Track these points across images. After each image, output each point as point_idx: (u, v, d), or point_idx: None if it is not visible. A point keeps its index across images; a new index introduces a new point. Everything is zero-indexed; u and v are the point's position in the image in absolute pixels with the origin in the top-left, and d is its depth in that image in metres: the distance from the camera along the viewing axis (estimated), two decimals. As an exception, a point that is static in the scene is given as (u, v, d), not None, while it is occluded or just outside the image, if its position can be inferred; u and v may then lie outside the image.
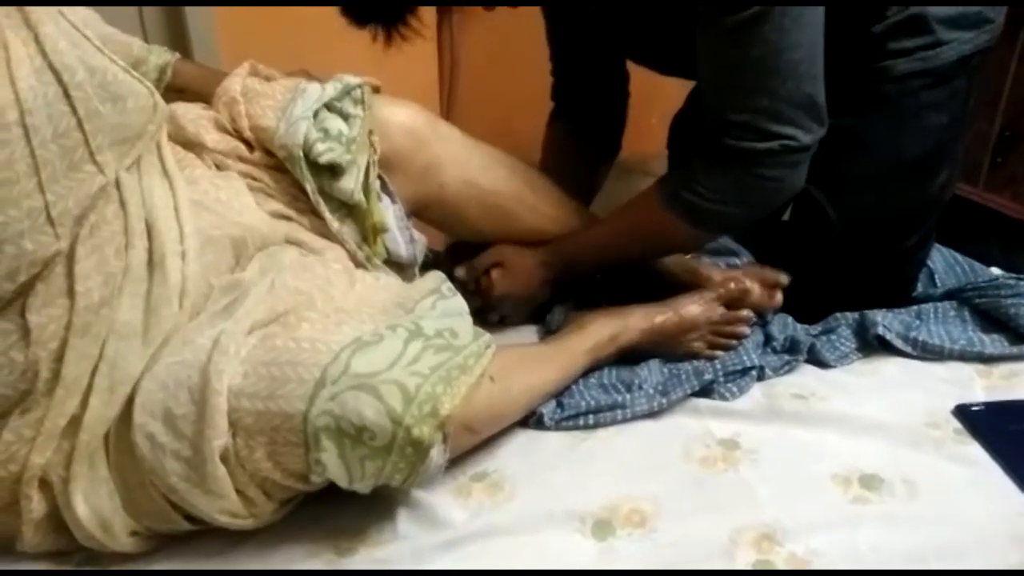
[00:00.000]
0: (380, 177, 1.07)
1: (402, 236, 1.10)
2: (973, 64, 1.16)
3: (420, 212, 1.15)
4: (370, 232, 1.06)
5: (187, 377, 0.82)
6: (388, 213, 1.08)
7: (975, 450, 1.00)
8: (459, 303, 0.97)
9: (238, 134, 1.04)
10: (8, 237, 0.76)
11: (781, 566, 0.86)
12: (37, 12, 0.79)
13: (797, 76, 0.99)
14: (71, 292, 0.81)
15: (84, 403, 0.82)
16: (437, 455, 0.84)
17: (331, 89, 1.05)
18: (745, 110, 1.01)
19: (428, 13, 2.01)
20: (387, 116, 1.08)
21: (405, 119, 1.10)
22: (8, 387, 0.82)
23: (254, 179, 1.03)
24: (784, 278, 1.21)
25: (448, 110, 2.07)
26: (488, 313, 1.24)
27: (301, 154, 1.00)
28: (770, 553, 0.87)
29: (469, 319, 0.95)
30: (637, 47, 1.27)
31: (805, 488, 0.95)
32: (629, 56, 1.33)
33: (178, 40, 1.76)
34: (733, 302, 1.18)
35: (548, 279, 1.23)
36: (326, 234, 1.04)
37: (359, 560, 0.88)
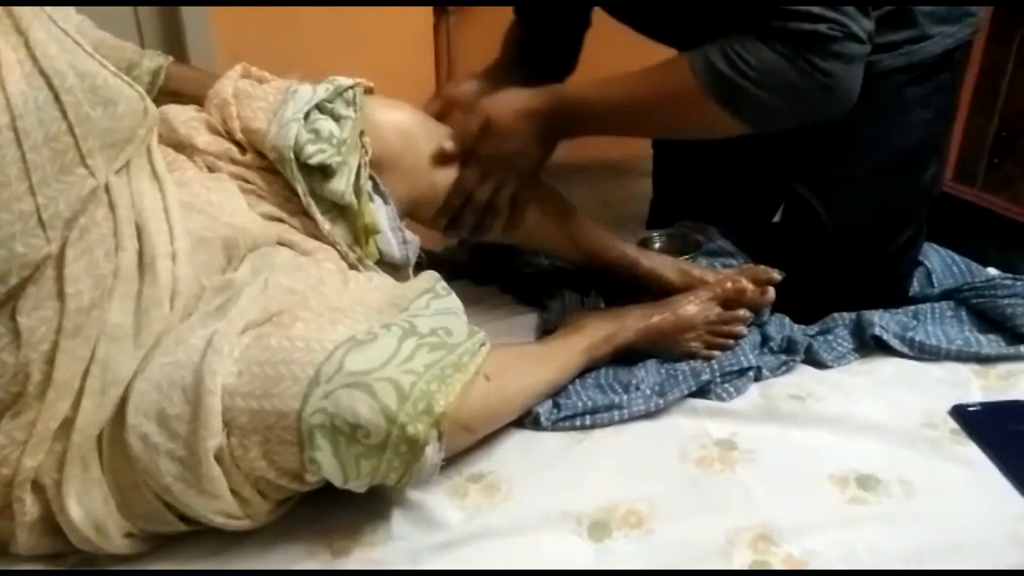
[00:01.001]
0: (372, 178, 1.07)
1: (395, 237, 1.09)
2: (957, 58, 1.16)
3: (413, 212, 1.15)
4: (362, 233, 1.06)
5: (181, 377, 0.82)
6: (380, 214, 1.08)
7: (972, 451, 1.00)
8: (454, 302, 0.96)
9: (230, 136, 1.04)
10: (0, 240, 0.77)
11: (778, 567, 0.86)
12: (27, 17, 0.79)
13: None
14: (61, 295, 0.81)
15: (76, 405, 0.81)
16: (432, 453, 0.84)
17: (322, 91, 1.05)
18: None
19: (425, 13, 2.03)
20: (379, 117, 1.08)
21: (397, 119, 1.10)
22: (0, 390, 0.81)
23: (246, 181, 1.02)
24: (776, 275, 1.21)
25: (445, 109, 2.07)
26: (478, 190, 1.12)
27: (292, 156, 1.00)
28: (767, 554, 0.87)
29: (464, 318, 0.95)
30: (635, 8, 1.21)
31: (802, 489, 0.95)
32: (610, 9, 1.25)
33: (174, 41, 1.76)
34: (729, 302, 1.18)
35: (539, 132, 1.11)
36: (318, 236, 1.04)
37: (354, 561, 0.88)
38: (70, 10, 0.92)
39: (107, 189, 0.84)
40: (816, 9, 0.94)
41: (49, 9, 0.82)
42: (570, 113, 1.10)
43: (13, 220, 0.77)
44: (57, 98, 0.79)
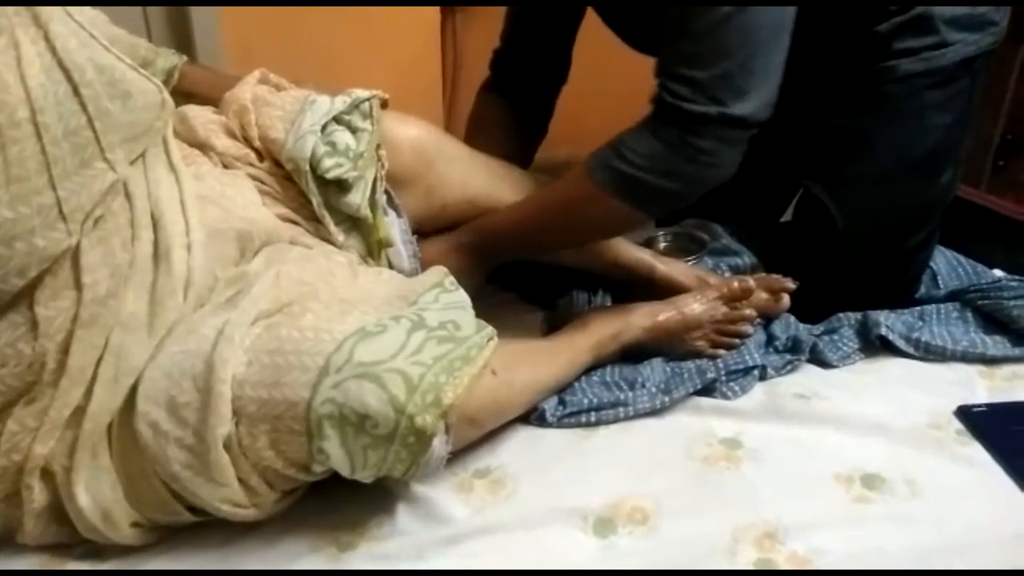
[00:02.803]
0: (387, 191, 1.07)
1: (406, 250, 1.10)
2: (976, 66, 1.16)
3: (421, 228, 1.15)
4: (375, 247, 1.07)
5: (191, 366, 0.82)
6: (393, 227, 1.08)
7: (977, 451, 1.00)
8: (462, 296, 0.97)
9: (248, 142, 1.05)
10: (19, 233, 0.77)
11: (783, 565, 0.86)
12: (46, 11, 0.79)
13: (758, 44, 0.96)
14: (78, 284, 0.81)
15: (88, 393, 0.82)
16: (439, 446, 0.84)
17: (340, 103, 1.05)
18: (696, 66, 0.97)
19: (432, 11, 2.03)
20: (396, 133, 1.08)
21: (413, 136, 1.10)
22: (15, 378, 0.82)
23: (262, 183, 1.03)
24: (790, 284, 1.21)
25: (451, 108, 2.07)
26: None
27: (308, 168, 1.00)
28: (772, 552, 0.87)
29: (472, 312, 0.95)
30: (620, 14, 1.23)
31: (807, 487, 0.95)
32: (610, 23, 1.27)
33: (182, 40, 1.76)
34: (736, 301, 1.18)
35: (467, 266, 1.14)
36: (331, 242, 1.04)
37: (360, 555, 0.88)
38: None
39: (124, 180, 0.84)
40: (717, 91, 0.96)
41: None
42: (489, 240, 1.14)
43: (33, 214, 0.77)
44: (77, 91, 0.79)
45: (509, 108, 1.38)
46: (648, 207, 1.07)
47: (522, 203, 1.14)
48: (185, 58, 1.18)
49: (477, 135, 1.37)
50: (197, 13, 1.75)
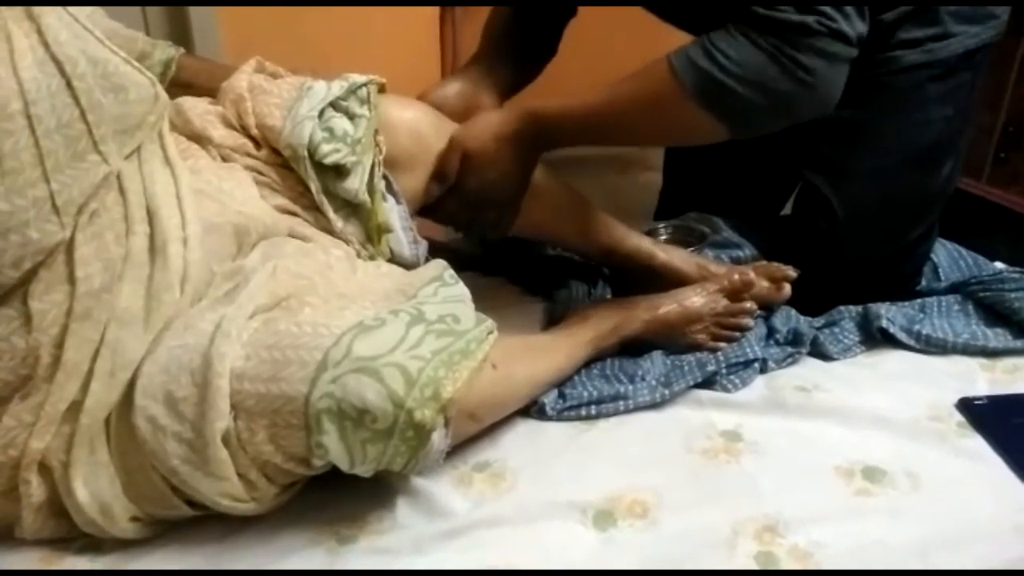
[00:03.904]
0: (385, 177, 1.07)
1: (406, 236, 1.09)
2: (978, 59, 1.16)
3: (423, 212, 1.15)
4: (374, 232, 1.06)
5: (189, 360, 0.82)
6: (392, 213, 1.08)
7: (978, 443, 1.00)
8: (461, 290, 0.96)
9: (245, 131, 1.04)
10: (14, 226, 0.77)
11: (783, 558, 0.86)
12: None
13: None
14: (72, 278, 0.81)
15: (85, 388, 0.82)
16: (438, 440, 0.84)
17: (337, 88, 1.05)
18: None
19: (431, 9, 2.02)
20: (394, 116, 1.08)
21: (410, 118, 1.10)
22: (9, 372, 0.82)
23: (260, 174, 1.03)
24: (791, 272, 1.21)
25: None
26: (472, 226, 1.13)
27: (306, 154, 1.00)
28: (772, 545, 0.87)
29: (471, 305, 0.95)
30: None
31: (807, 480, 0.95)
32: None
33: (181, 34, 1.76)
34: (736, 294, 1.18)
35: (522, 156, 1.09)
36: (330, 231, 1.04)
37: (360, 548, 0.87)
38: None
39: (118, 174, 0.84)
40: (801, 7, 0.91)
41: None
42: (546, 128, 1.08)
43: (27, 206, 0.77)
44: (69, 84, 0.79)
45: (519, 20, 1.32)
46: (732, 120, 0.98)
47: (590, 93, 1.05)
48: (182, 50, 1.18)
49: (487, 38, 1.32)
50: (196, 11, 1.75)
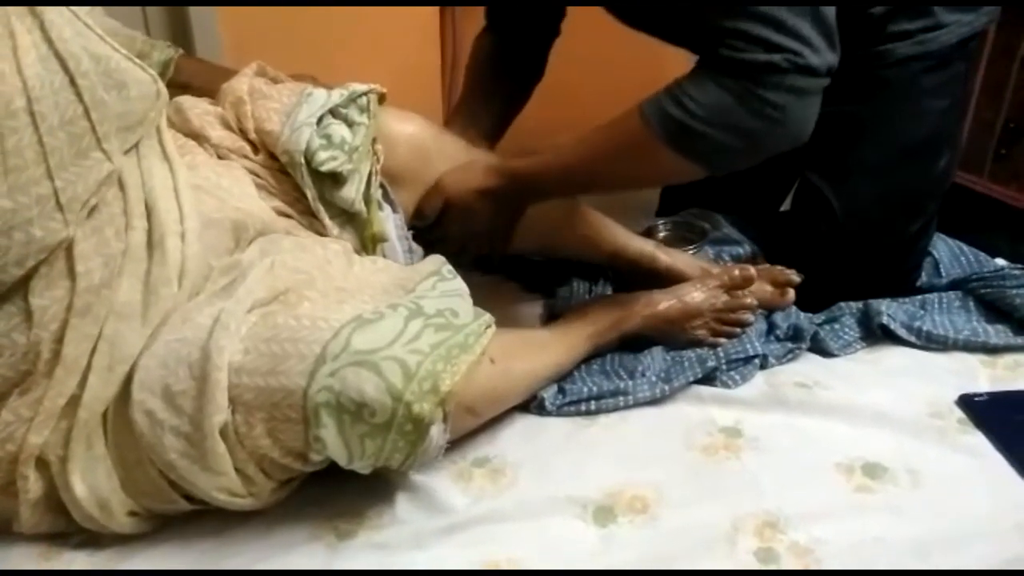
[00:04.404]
0: (382, 186, 1.07)
1: (401, 246, 1.09)
2: (971, 47, 1.15)
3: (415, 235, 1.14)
4: (369, 241, 1.06)
5: (187, 354, 0.82)
6: (388, 223, 1.08)
7: (979, 440, 1.00)
8: (459, 284, 0.96)
9: (243, 134, 1.04)
10: (17, 223, 0.77)
11: (783, 554, 0.85)
12: None
13: None
14: (72, 274, 0.81)
15: (83, 382, 0.82)
16: (437, 434, 0.84)
17: (336, 96, 1.04)
18: (742, 15, 0.90)
19: (430, 9, 2.01)
20: (394, 130, 1.07)
21: (410, 132, 1.09)
22: (10, 368, 0.82)
23: (257, 177, 1.03)
24: (795, 277, 1.20)
25: (450, 101, 2.06)
26: (459, 256, 1.10)
27: (303, 161, 1.00)
28: (772, 541, 0.87)
29: (469, 300, 0.95)
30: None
31: (808, 476, 0.95)
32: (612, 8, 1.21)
33: (181, 34, 1.75)
34: (737, 289, 1.18)
35: (503, 210, 1.10)
36: (325, 236, 1.04)
37: (359, 543, 0.87)
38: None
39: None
40: (775, 37, 0.90)
41: None
42: (526, 185, 1.08)
43: (31, 204, 0.77)
44: (73, 81, 0.78)
45: (503, 48, 1.34)
46: (707, 162, 0.98)
47: (566, 147, 1.07)
48: (181, 51, 1.18)
49: (473, 73, 1.35)
50: (196, 11, 1.74)
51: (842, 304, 1.22)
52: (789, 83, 0.91)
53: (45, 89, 0.76)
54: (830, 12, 0.92)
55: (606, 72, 1.68)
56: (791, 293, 1.21)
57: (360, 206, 1.03)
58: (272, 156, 1.03)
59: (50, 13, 0.78)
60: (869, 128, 1.17)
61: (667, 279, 1.22)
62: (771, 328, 1.18)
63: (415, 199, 1.10)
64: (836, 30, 0.93)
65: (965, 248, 1.33)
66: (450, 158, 1.11)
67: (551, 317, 1.23)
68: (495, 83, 1.32)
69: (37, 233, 0.78)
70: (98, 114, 0.80)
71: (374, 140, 1.05)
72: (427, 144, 1.10)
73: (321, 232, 1.04)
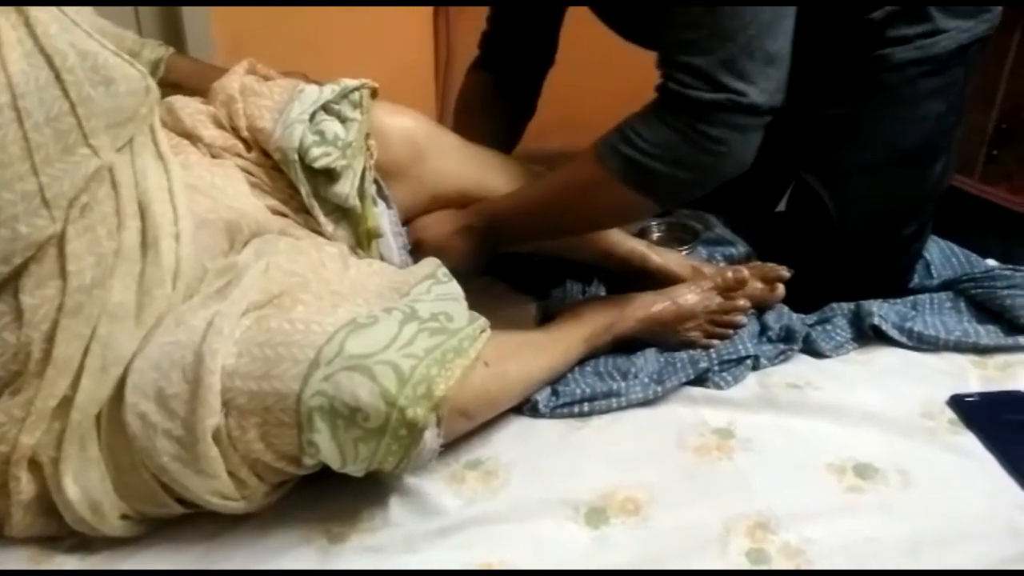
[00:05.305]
0: (376, 182, 1.07)
1: (395, 242, 1.09)
2: (971, 53, 1.16)
3: (412, 219, 1.15)
4: (364, 237, 1.06)
5: (180, 357, 0.82)
6: (383, 218, 1.08)
7: (970, 440, 1.00)
8: (455, 288, 0.96)
9: (235, 133, 1.04)
10: (2, 220, 0.77)
11: (775, 555, 0.86)
12: None
13: (759, 25, 0.92)
14: (63, 273, 0.81)
15: (75, 383, 0.81)
16: (431, 438, 0.84)
17: (329, 91, 1.04)
18: (698, 52, 0.93)
19: (424, 8, 2.01)
20: (387, 124, 1.07)
21: (404, 128, 1.09)
22: (0, 368, 0.81)
23: (250, 175, 1.02)
24: (785, 272, 1.21)
25: (443, 103, 2.06)
26: None
27: (296, 157, 1.00)
28: (764, 542, 0.87)
29: (464, 303, 0.95)
30: (612, 7, 1.21)
31: (799, 477, 0.95)
32: (602, 15, 1.25)
33: (173, 33, 1.75)
34: (730, 291, 1.18)
35: (474, 250, 1.14)
36: (320, 234, 1.04)
37: (351, 546, 0.87)
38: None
39: (109, 168, 0.84)
40: (722, 77, 0.93)
41: None
42: (496, 224, 1.12)
43: (16, 200, 0.77)
44: (58, 77, 0.78)
45: (497, 84, 1.37)
46: (658, 196, 1.03)
47: (530, 188, 1.12)
48: (172, 49, 1.17)
49: (466, 111, 1.37)
50: (188, 11, 1.74)
51: (834, 305, 1.22)
52: (732, 121, 0.95)
53: (30, 85, 0.76)
54: (786, 56, 0.96)
55: (606, 73, 1.68)
56: (781, 289, 1.21)
57: (354, 202, 1.03)
58: (265, 154, 1.02)
59: (36, 9, 0.78)
60: (866, 131, 1.17)
61: (659, 279, 1.22)
62: (763, 329, 1.18)
63: (410, 193, 1.11)
64: (787, 74, 0.97)
65: (956, 249, 1.34)
66: (444, 151, 1.11)
67: (545, 317, 1.23)
68: (490, 121, 1.34)
69: (23, 229, 0.78)
70: (85, 110, 0.80)
71: (367, 135, 1.05)
72: (420, 138, 1.10)
73: (316, 229, 1.03)
